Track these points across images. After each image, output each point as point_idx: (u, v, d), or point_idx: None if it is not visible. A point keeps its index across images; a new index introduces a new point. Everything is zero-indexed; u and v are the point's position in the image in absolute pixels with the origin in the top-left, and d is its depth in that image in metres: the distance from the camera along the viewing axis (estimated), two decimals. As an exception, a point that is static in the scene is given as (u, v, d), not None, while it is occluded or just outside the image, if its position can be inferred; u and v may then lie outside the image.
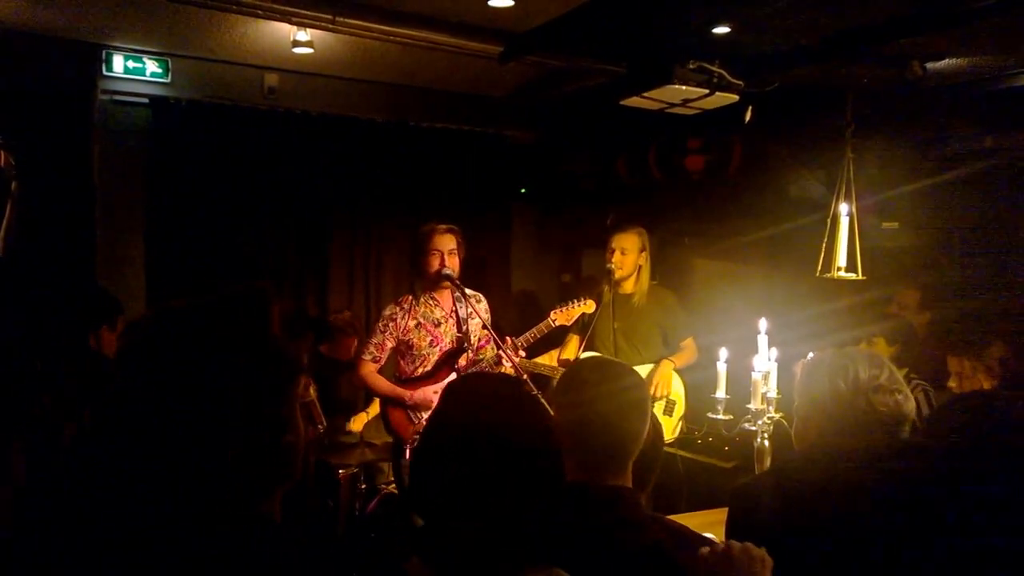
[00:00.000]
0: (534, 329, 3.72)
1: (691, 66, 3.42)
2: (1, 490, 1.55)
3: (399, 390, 3.64)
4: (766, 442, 3.00)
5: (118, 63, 4.49)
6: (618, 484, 1.67)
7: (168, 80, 4.63)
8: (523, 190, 5.89)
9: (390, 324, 3.67)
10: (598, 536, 1.54)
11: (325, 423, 4.27)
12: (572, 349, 4.26)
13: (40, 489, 1.82)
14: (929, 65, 3.56)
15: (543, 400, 3.37)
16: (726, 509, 3.08)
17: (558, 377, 4.12)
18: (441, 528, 1.28)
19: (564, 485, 1.44)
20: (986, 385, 3.06)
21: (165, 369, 1.07)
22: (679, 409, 4.16)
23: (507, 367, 3.61)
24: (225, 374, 1.08)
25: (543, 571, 1.21)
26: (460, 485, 1.27)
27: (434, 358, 3.67)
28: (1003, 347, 3.11)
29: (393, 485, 4.40)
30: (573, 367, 1.88)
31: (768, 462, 3.00)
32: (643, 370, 4.16)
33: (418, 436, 3.51)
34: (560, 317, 3.81)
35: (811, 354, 2.97)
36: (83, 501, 1.99)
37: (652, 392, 4.02)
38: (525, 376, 3.57)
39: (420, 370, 3.68)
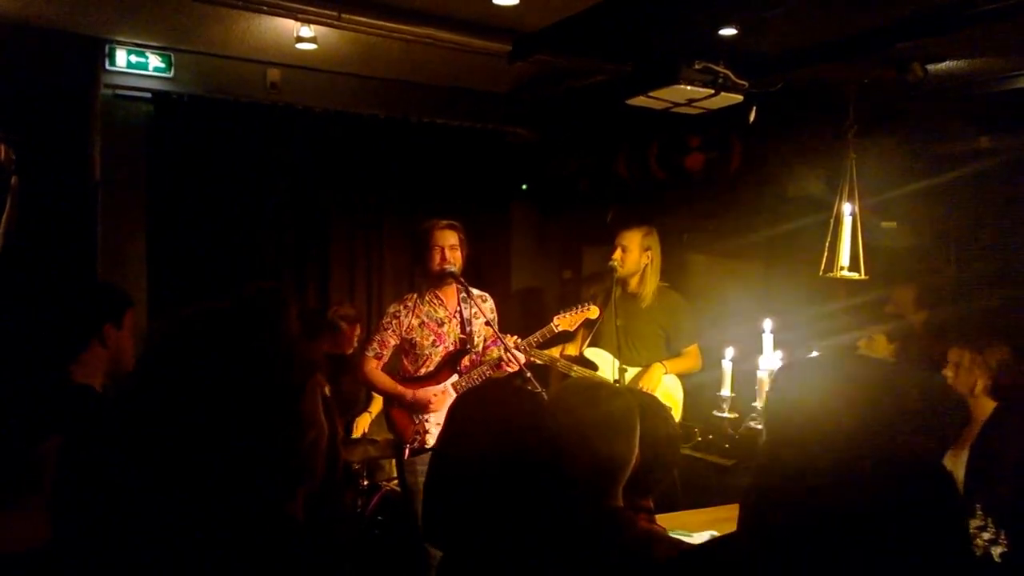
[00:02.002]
0: (537, 333, 3.74)
1: (697, 67, 3.46)
2: (33, 498, 1.56)
3: (400, 388, 3.65)
4: (770, 439, 3.04)
5: (121, 57, 4.47)
6: (607, 504, 1.69)
7: (171, 75, 4.62)
8: (524, 187, 5.90)
9: (393, 321, 3.68)
10: (591, 560, 1.55)
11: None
12: (576, 344, 4.29)
13: (69, 492, 1.83)
14: (930, 67, 3.61)
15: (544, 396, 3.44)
16: (728, 507, 3.14)
17: (564, 369, 4.18)
18: (462, 559, 1.28)
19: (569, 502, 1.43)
20: (980, 382, 3.09)
21: (185, 371, 1.08)
22: (675, 416, 4.18)
23: (510, 368, 3.64)
24: (245, 374, 1.09)
25: None
26: (473, 516, 1.27)
27: (437, 358, 3.68)
28: (1006, 351, 3.15)
29: (395, 482, 4.43)
30: (560, 389, 1.88)
31: (772, 459, 3.05)
32: (635, 372, 4.18)
33: (417, 435, 3.57)
34: (564, 322, 3.82)
35: (816, 354, 3.03)
36: (108, 503, 2.00)
37: None
38: (528, 374, 3.60)
39: (423, 369, 3.69)
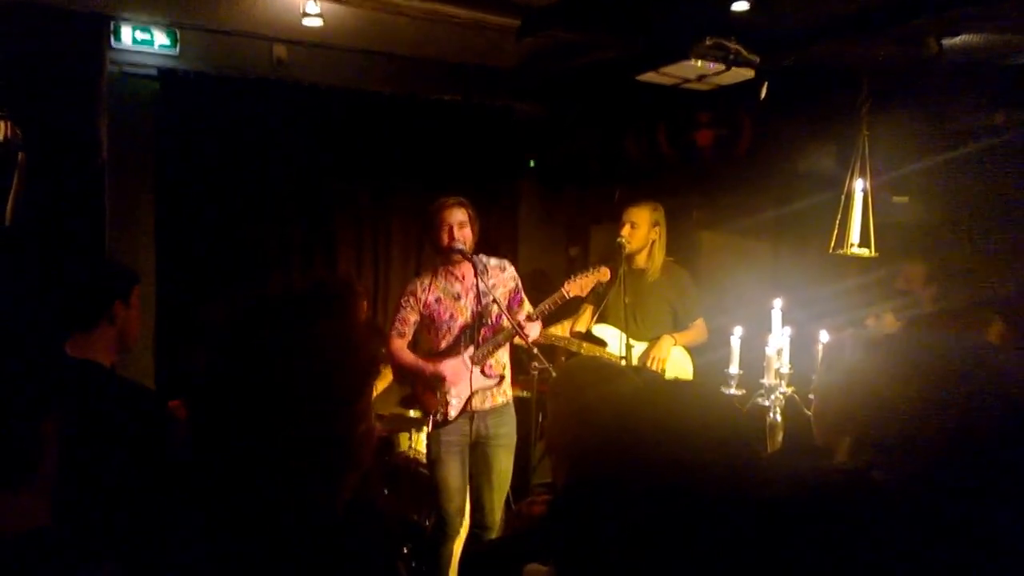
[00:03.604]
0: (548, 301, 3.74)
1: (708, 42, 3.41)
2: (34, 480, 1.56)
3: (420, 363, 3.71)
4: (778, 417, 3.05)
5: (126, 34, 4.45)
6: None
7: (176, 52, 4.60)
8: (532, 163, 5.87)
9: (411, 299, 3.72)
10: None
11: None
12: (585, 320, 4.30)
13: (79, 473, 1.83)
14: (944, 41, 3.55)
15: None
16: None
17: (574, 347, 4.19)
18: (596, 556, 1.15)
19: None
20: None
21: (259, 357, 1.10)
22: None
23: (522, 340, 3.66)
24: (316, 365, 1.10)
25: None
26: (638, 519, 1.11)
27: (455, 331, 3.72)
28: (1001, 323, 3.13)
29: (401, 457, 4.49)
30: (564, 369, 1.85)
31: (780, 437, 3.06)
32: (644, 346, 4.21)
33: (440, 408, 3.60)
34: (574, 288, 3.79)
35: (824, 332, 3.02)
36: (138, 483, 2.01)
37: (647, 364, 4.06)
38: (536, 350, 3.62)
39: (443, 343, 3.74)
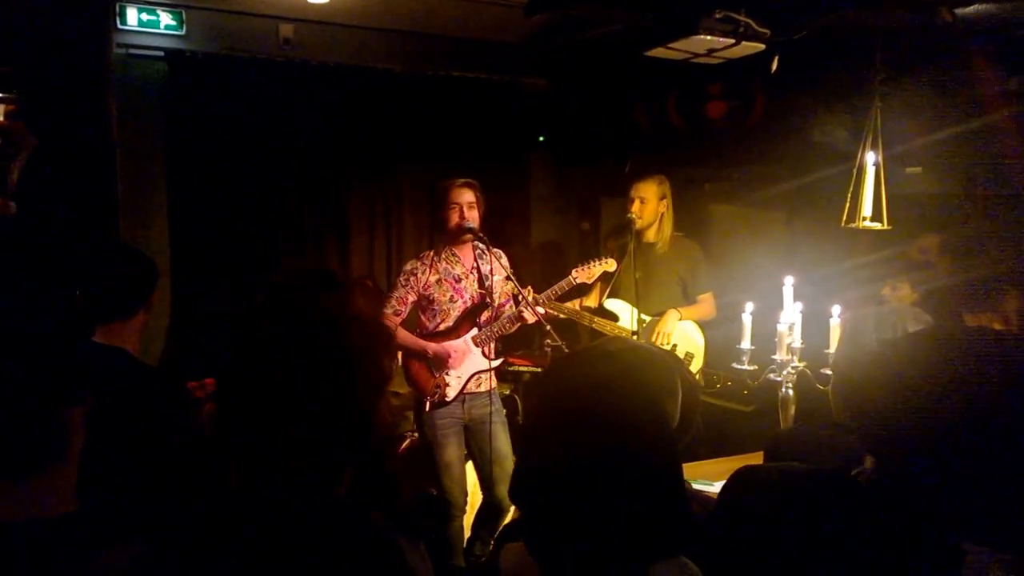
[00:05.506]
0: (555, 286, 3.78)
1: (717, 16, 3.37)
2: (61, 466, 1.59)
3: (420, 343, 3.72)
4: (790, 391, 3.07)
5: (132, 16, 4.44)
6: None
7: (183, 32, 4.58)
8: (541, 138, 5.84)
9: (411, 279, 3.72)
10: None
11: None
12: (595, 296, 4.32)
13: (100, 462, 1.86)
14: (957, 11, 3.50)
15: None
16: (749, 455, 3.16)
17: (586, 321, 4.20)
18: (552, 520, 1.14)
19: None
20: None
21: (265, 354, 1.11)
22: (697, 362, 4.22)
23: (529, 319, 3.69)
24: (355, 347, 1.13)
25: (670, 563, 1.09)
26: (578, 474, 1.13)
27: (455, 313, 3.73)
28: (1019, 297, 3.12)
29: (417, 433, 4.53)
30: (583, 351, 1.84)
31: (793, 411, 3.07)
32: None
33: (438, 389, 3.63)
34: (581, 275, 3.85)
35: (837, 307, 3.01)
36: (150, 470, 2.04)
37: (652, 339, 4.08)
38: (548, 327, 3.64)
39: (441, 325, 3.75)
